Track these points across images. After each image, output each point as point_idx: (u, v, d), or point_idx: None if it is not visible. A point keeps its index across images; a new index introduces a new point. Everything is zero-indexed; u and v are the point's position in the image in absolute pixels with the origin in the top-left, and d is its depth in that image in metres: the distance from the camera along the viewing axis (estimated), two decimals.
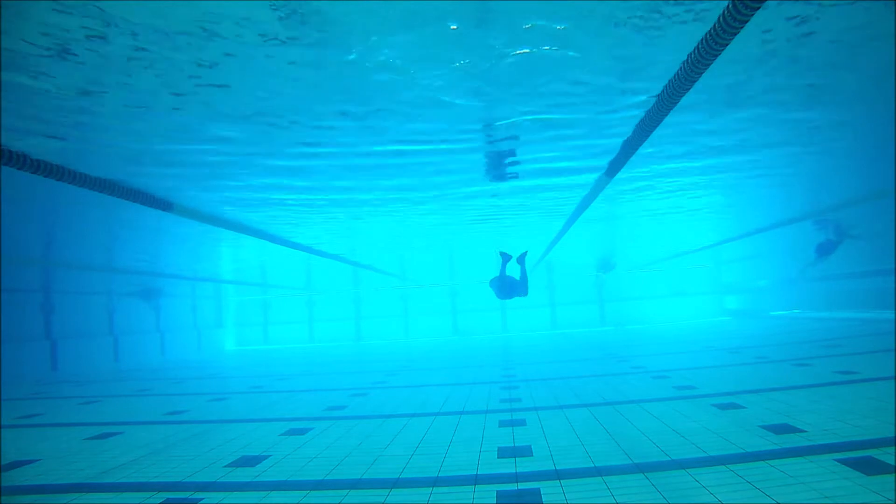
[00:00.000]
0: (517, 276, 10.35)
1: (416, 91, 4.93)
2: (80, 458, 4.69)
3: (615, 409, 5.45)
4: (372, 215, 11.01)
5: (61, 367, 14.46)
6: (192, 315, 21.49)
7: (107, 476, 4.13)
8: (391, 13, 3.64)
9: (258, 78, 4.51)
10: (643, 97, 5.32)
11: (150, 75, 4.30)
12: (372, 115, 5.53)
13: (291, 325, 24.75)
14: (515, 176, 8.48)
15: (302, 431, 5.29)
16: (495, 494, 3.28)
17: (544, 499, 3.16)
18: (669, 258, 21.85)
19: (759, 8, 2.90)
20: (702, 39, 3.45)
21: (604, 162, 7.43)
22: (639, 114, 5.60)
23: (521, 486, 3.40)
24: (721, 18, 3.15)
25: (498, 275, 10.05)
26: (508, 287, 10.03)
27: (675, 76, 4.13)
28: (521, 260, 10.22)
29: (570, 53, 4.36)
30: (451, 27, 3.87)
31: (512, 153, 7.22)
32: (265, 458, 4.40)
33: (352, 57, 4.21)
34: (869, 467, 3.21)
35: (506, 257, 9.80)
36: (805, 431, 4.09)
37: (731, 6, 3.00)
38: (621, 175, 7.78)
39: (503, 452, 4.14)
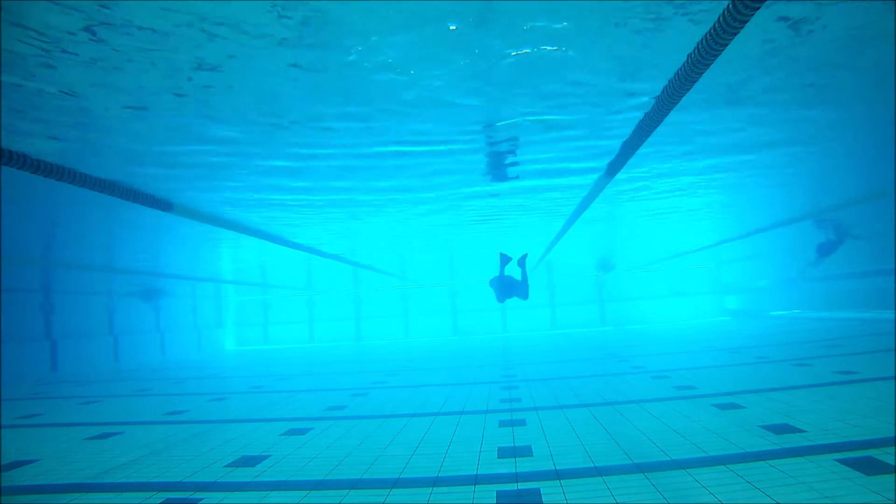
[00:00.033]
0: (518, 277, 10.36)
1: (416, 91, 4.94)
2: (80, 458, 4.69)
3: (615, 409, 5.45)
4: (372, 215, 11.01)
5: (61, 366, 14.46)
6: (192, 315, 21.49)
7: (107, 476, 4.13)
8: (391, 13, 3.65)
9: (258, 78, 4.51)
10: (643, 98, 5.33)
11: (151, 76, 4.31)
12: (372, 116, 5.54)
13: (291, 325, 24.74)
14: (515, 176, 8.49)
15: (302, 431, 5.29)
16: (495, 494, 3.28)
17: (544, 499, 3.16)
18: (669, 258, 21.84)
19: (759, 8, 2.90)
20: (702, 39, 3.44)
21: (604, 163, 7.43)
22: (638, 115, 5.60)
23: (521, 486, 3.40)
24: (721, 18, 3.15)
25: (498, 274, 10.07)
26: (508, 287, 10.03)
27: (674, 76, 4.13)
28: (522, 263, 10.22)
29: (570, 54, 4.37)
30: (451, 27, 3.87)
31: (512, 154, 7.22)
32: (265, 458, 4.40)
33: (352, 57, 4.21)
34: (869, 467, 3.22)
35: (505, 259, 9.80)
36: (805, 431, 4.09)
37: (731, 6, 3.00)
38: (621, 175, 7.77)
39: (503, 452, 4.14)
